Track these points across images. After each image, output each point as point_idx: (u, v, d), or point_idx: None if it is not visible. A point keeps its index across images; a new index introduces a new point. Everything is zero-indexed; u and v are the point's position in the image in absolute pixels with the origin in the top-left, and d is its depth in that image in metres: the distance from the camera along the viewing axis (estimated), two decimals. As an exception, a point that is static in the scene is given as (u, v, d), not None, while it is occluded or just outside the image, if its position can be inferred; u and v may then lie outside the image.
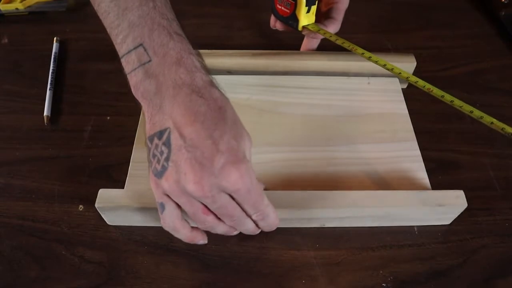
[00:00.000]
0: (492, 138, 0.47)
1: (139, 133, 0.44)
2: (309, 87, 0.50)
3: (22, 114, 0.48)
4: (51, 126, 0.47)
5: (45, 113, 0.47)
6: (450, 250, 0.39)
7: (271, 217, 0.34)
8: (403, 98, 0.49)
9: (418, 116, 0.47)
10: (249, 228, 0.35)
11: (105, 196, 0.37)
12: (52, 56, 0.54)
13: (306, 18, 0.46)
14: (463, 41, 0.59)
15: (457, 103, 0.37)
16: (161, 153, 0.31)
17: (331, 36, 0.45)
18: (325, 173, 0.42)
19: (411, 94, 0.49)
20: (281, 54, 0.50)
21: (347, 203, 0.37)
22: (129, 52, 0.32)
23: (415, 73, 0.49)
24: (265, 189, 0.35)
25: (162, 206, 0.32)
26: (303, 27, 0.47)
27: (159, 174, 0.31)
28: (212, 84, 0.32)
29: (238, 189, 0.30)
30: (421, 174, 0.42)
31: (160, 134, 0.31)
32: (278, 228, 0.39)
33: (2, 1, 0.59)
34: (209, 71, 0.33)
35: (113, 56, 0.55)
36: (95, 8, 0.33)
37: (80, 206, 0.41)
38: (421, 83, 0.40)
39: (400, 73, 0.42)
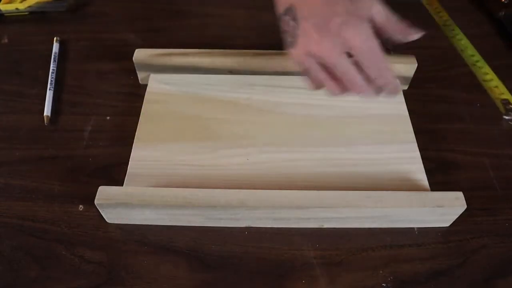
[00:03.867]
0: (492, 138, 0.47)
1: (139, 132, 0.44)
2: (309, 87, 0.50)
3: (22, 114, 0.48)
4: (51, 126, 0.47)
5: (45, 113, 0.47)
6: (450, 250, 0.39)
7: (391, 77, 0.36)
8: (404, 100, 0.49)
9: (418, 116, 0.47)
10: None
11: (105, 193, 0.37)
12: (52, 56, 0.53)
13: None
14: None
15: None
16: (291, 27, 0.36)
17: None
18: (325, 173, 0.42)
19: (411, 95, 0.49)
20: (282, 54, 0.50)
21: (347, 204, 0.37)
22: None
23: (415, 73, 0.49)
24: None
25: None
26: None
27: (292, 44, 0.37)
28: None
29: (354, 45, 0.33)
30: (420, 176, 0.42)
31: (286, 11, 0.36)
32: (278, 228, 0.40)
33: (2, 1, 0.59)
34: None
35: (113, 56, 0.55)
36: None
37: (80, 206, 0.41)
38: None
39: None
